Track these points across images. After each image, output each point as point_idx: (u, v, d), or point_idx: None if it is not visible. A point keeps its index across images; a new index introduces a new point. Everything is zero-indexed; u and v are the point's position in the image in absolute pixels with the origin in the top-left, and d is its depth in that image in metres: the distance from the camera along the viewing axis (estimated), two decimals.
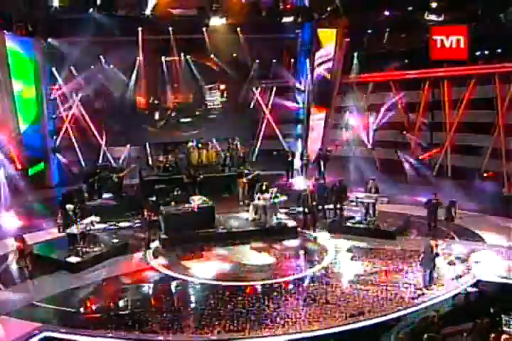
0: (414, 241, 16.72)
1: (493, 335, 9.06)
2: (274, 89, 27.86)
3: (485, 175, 22.70)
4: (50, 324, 11.77)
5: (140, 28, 23.25)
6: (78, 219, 15.80)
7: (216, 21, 22.38)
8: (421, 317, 11.19)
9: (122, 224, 18.81)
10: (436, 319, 10.23)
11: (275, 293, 13.23)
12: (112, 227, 18.45)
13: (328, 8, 21.54)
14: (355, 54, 25.41)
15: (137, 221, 18.56)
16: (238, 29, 23.61)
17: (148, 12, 20.87)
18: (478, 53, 22.47)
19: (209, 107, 26.88)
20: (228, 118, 26.76)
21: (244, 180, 20.68)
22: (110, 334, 11.30)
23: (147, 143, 26.68)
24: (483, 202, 19.60)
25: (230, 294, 13.15)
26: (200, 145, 22.90)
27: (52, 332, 11.41)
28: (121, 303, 12.88)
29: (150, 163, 25.33)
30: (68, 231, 15.47)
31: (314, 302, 12.57)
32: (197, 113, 26.70)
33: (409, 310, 12.11)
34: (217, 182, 21.71)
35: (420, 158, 25.34)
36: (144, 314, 12.21)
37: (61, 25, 21.87)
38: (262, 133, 28.39)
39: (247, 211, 18.75)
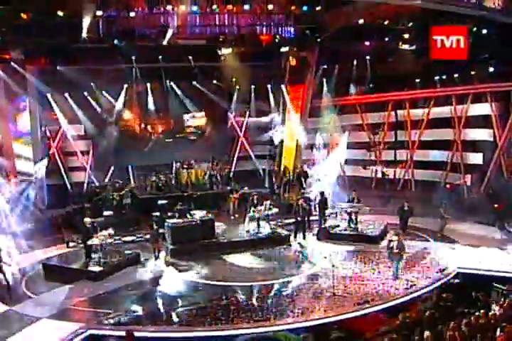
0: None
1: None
2: (249, 112, 29.84)
3: (447, 186, 25.11)
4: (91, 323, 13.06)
5: (160, 57, 24.73)
6: (91, 233, 17.14)
7: (225, 51, 24.11)
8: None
9: (126, 239, 20.11)
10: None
11: (286, 290, 15.04)
12: (119, 241, 19.70)
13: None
14: (324, 80, 27.72)
15: (139, 235, 19.98)
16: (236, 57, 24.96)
17: (165, 42, 21.99)
18: (437, 78, 25.29)
19: (189, 131, 28.41)
20: (207, 140, 28.54)
21: (236, 195, 22.46)
22: (151, 329, 12.72)
23: (130, 166, 27.93)
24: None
25: (246, 292, 14.91)
26: (187, 165, 24.52)
27: (97, 330, 12.71)
28: (150, 303, 14.36)
29: (134, 184, 26.43)
30: (89, 242, 16.74)
31: (322, 296, 14.43)
32: (178, 136, 28.18)
33: (406, 298, 14.09)
34: (207, 198, 23.27)
35: (386, 173, 27.61)
36: (173, 311, 13.76)
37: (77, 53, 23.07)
38: (237, 153, 30.22)
39: (238, 223, 20.53)
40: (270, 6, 18.94)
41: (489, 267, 15.90)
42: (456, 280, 15.52)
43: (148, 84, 27.04)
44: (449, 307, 12.36)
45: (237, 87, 27.96)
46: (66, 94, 25.44)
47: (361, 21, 19.49)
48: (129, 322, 13.11)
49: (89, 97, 26.01)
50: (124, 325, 12.94)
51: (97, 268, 16.32)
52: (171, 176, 24.68)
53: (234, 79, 27.41)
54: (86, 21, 19.00)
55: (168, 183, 24.04)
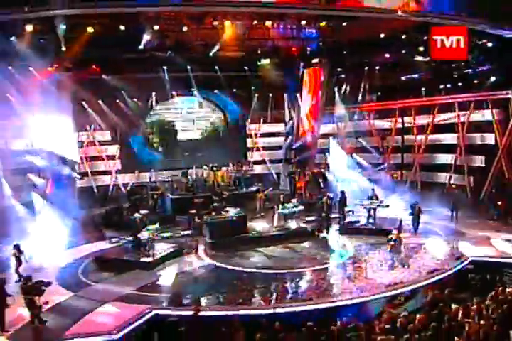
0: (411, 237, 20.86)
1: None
2: (263, 119, 31.90)
3: (453, 186, 27.17)
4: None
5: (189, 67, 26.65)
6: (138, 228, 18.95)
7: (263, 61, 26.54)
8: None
9: (164, 234, 21.78)
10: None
11: (322, 276, 16.90)
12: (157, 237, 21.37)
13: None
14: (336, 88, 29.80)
15: (176, 231, 21.76)
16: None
17: (211, 54, 23.96)
18: (442, 86, 27.44)
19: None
20: (224, 145, 30.63)
21: (262, 195, 24.37)
22: (210, 308, 14.49)
23: (152, 169, 29.73)
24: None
25: (287, 278, 16.78)
26: (214, 168, 26.43)
27: (160, 311, 14.34)
28: (201, 288, 16.17)
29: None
30: (139, 236, 18.51)
31: (356, 279, 16.34)
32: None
33: (431, 280, 16.01)
34: (235, 198, 25.07)
35: (394, 175, 29.65)
36: (226, 293, 15.57)
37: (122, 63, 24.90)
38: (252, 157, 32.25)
39: (266, 220, 22.52)
40: (303, 22, 20.87)
41: (499, 255, 17.93)
42: (471, 267, 17.48)
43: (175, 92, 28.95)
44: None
45: (256, 95, 29.90)
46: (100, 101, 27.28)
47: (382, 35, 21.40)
48: (187, 304, 14.70)
49: (121, 104, 27.83)
50: (184, 306, 14.56)
51: (148, 259, 18.06)
52: (199, 178, 26.51)
53: (253, 88, 29.34)
54: (146, 35, 20.96)
55: (197, 184, 25.87)
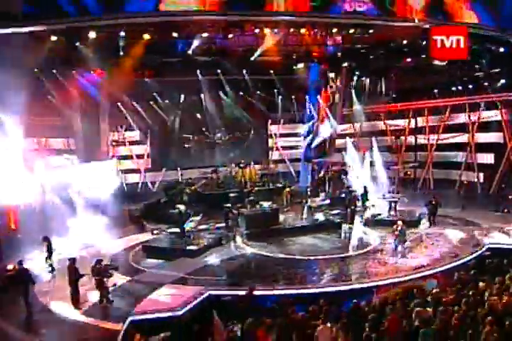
0: (431, 227, 22.80)
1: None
2: (283, 120, 33.90)
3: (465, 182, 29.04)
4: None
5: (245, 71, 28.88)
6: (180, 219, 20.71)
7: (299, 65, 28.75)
8: None
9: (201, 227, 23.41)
10: None
11: (353, 261, 18.65)
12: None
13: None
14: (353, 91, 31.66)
15: (211, 223, 23.44)
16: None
17: (252, 58, 25.70)
18: (453, 89, 29.29)
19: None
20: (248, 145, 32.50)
21: (288, 190, 26.17)
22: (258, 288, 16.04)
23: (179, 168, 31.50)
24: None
25: (322, 263, 18.57)
26: (241, 165, 28.24)
27: (215, 291, 15.90)
28: (246, 271, 17.94)
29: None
30: (185, 226, 20.25)
31: (386, 264, 18.10)
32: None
33: (453, 264, 17.81)
34: (264, 193, 26.74)
35: (408, 173, 31.49)
36: (271, 276, 17.29)
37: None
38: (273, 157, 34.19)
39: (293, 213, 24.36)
40: (334, 29, 22.82)
41: None
42: (488, 253, 19.27)
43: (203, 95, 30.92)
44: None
45: (280, 97, 31.73)
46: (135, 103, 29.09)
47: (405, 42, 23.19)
48: (237, 284, 16.35)
49: (155, 105, 29.65)
50: (235, 286, 16.22)
51: (193, 247, 19.81)
52: (228, 175, 28.33)
53: (276, 90, 31.19)
54: (195, 41, 22.94)
55: (227, 181, 27.67)
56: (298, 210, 24.57)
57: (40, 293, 16.00)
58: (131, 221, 25.02)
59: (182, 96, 30.48)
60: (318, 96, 31.76)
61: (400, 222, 19.20)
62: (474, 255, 18.76)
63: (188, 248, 19.84)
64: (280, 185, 28.12)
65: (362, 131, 32.68)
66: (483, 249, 19.34)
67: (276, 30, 21.87)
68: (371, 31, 21.82)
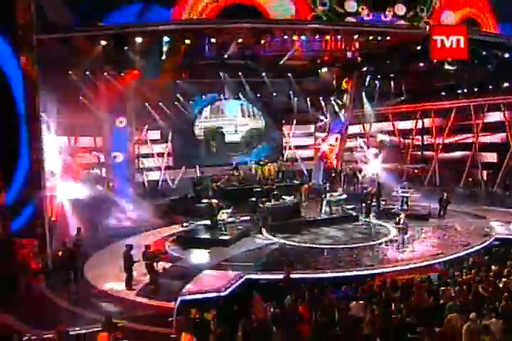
0: (442, 220, 24.66)
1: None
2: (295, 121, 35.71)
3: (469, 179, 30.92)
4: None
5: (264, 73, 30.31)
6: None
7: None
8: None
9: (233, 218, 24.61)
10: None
11: (376, 249, 20.39)
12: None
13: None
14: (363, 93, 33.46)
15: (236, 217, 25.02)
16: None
17: (281, 62, 27.30)
18: (459, 91, 31.11)
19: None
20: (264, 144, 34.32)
21: (306, 186, 27.93)
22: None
23: (197, 166, 33.10)
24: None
25: (346, 251, 20.23)
26: (261, 163, 29.98)
27: (252, 275, 17.52)
28: (278, 258, 19.55)
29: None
30: (218, 218, 21.91)
31: (404, 251, 19.86)
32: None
33: (464, 252, 19.60)
34: (282, 189, 28.34)
35: (416, 171, 33.36)
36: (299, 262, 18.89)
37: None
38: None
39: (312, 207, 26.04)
40: (355, 36, 24.74)
41: None
42: (497, 243, 21.07)
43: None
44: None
45: (296, 99, 33.46)
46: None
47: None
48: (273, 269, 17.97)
49: (179, 105, 31.35)
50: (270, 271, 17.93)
51: (226, 237, 21.50)
52: (248, 172, 30.06)
53: (291, 92, 32.94)
54: (232, 46, 24.55)
55: (247, 177, 29.39)
56: (315, 205, 26.25)
57: (95, 277, 17.75)
58: (163, 214, 26.47)
59: (203, 96, 32.08)
60: (332, 98, 33.45)
61: (402, 215, 20.81)
62: (485, 244, 20.55)
63: (220, 238, 21.48)
64: (297, 182, 29.76)
65: (372, 131, 34.45)
66: (492, 239, 21.14)
67: (303, 37, 23.71)
68: (388, 38, 23.65)
